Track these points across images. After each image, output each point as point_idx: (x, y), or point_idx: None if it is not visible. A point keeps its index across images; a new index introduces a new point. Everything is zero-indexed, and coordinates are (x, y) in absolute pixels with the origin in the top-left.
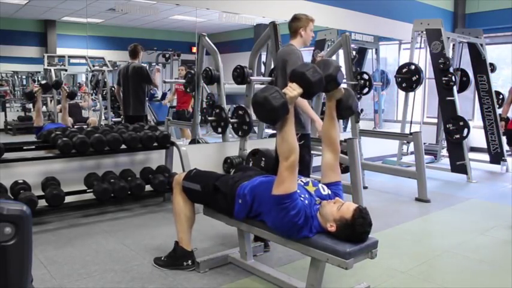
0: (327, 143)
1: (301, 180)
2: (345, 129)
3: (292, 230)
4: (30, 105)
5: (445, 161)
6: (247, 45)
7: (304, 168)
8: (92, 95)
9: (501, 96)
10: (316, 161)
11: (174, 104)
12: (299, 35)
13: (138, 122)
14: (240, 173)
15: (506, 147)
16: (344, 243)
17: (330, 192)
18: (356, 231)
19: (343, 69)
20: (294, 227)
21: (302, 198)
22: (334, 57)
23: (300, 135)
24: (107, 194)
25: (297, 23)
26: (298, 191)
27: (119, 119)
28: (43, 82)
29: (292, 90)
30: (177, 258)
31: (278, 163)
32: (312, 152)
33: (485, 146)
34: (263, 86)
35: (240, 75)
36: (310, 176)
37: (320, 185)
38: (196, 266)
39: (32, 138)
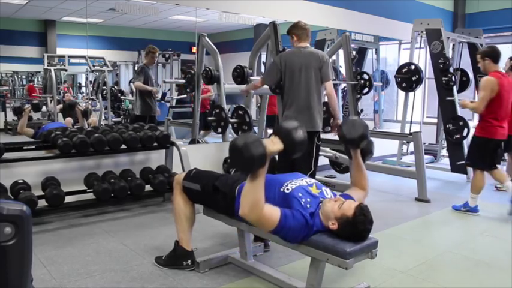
0: (357, 187)
1: (306, 181)
2: None
3: (295, 239)
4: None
5: (445, 161)
6: (247, 45)
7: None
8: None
9: None
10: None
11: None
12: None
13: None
14: (239, 172)
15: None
16: (344, 243)
17: (332, 196)
18: (357, 228)
19: (343, 70)
20: (297, 238)
21: (302, 203)
22: (334, 57)
23: (318, 135)
24: (107, 194)
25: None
26: (300, 194)
27: (119, 119)
28: (34, 102)
29: (273, 144)
30: (177, 258)
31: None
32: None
33: None
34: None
35: (240, 75)
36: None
37: (324, 188)
38: (196, 266)
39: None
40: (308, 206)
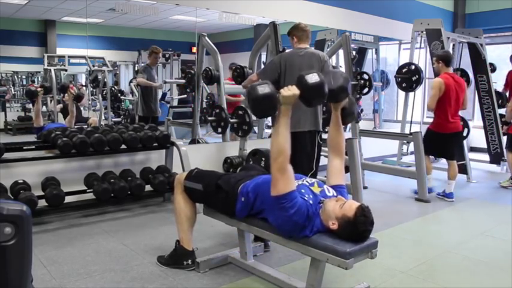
0: (333, 149)
1: (307, 181)
2: (344, 129)
3: (294, 229)
4: (30, 105)
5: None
6: (247, 45)
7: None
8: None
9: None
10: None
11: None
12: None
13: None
14: (243, 172)
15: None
16: (344, 243)
17: (335, 194)
18: (358, 229)
19: (342, 70)
20: (296, 226)
21: (306, 198)
22: (334, 57)
23: (320, 134)
24: (107, 194)
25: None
26: (303, 190)
27: (119, 119)
28: (46, 84)
29: (288, 90)
30: (178, 258)
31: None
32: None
33: (485, 146)
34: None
35: (240, 75)
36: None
37: (325, 187)
38: (196, 266)
39: (32, 138)
40: (311, 202)
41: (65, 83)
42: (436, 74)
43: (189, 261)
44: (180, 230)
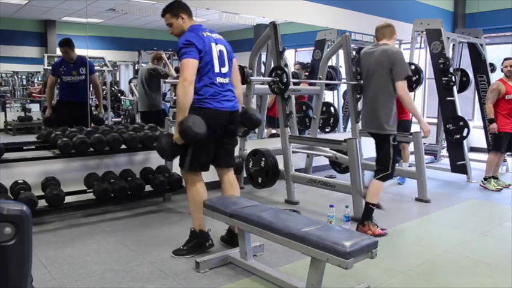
0: None
1: None
2: (344, 129)
3: None
4: (31, 105)
5: (445, 161)
6: (247, 45)
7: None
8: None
9: None
10: (316, 161)
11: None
12: (393, 39)
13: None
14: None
15: None
16: (344, 242)
17: None
18: None
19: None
20: None
21: None
22: (334, 57)
23: (393, 137)
24: (107, 194)
25: (392, 29)
26: None
27: (119, 119)
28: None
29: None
30: (201, 242)
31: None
32: (312, 151)
33: (485, 146)
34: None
35: (240, 75)
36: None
37: None
38: (196, 266)
39: (32, 138)
40: None
41: None
42: None
43: (210, 241)
44: (198, 217)
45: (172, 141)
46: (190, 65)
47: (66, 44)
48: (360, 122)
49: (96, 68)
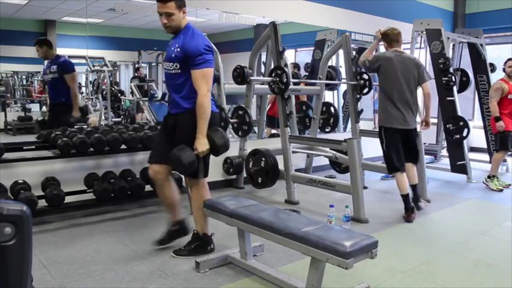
0: None
1: None
2: (344, 129)
3: None
4: (30, 105)
5: (445, 161)
6: (247, 45)
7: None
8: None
9: None
10: (316, 161)
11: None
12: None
13: None
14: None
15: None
16: (344, 242)
17: None
18: None
19: (342, 70)
20: None
21: None
22: (334, 57)
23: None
24: (107, 194)
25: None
26: None
27: (119, 119)
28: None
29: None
30: (203, 245)
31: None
32: (312, 151)
33: (485, 146)
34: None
35: (240, 75)
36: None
37: None
38: (196, 266)
39: (32, 138)
40: None
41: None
42: None
43: (212, 246)
44: (201, 221)
45: (194, 155)
46: (211, 74)
47: (37, 43)
48: (377, 121)
49: (96, 68)
